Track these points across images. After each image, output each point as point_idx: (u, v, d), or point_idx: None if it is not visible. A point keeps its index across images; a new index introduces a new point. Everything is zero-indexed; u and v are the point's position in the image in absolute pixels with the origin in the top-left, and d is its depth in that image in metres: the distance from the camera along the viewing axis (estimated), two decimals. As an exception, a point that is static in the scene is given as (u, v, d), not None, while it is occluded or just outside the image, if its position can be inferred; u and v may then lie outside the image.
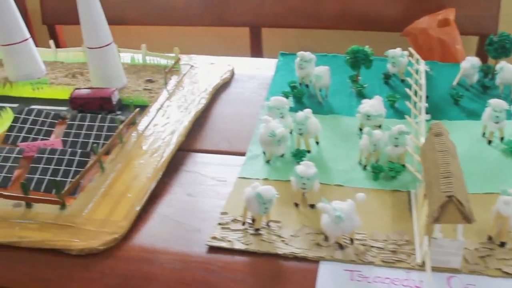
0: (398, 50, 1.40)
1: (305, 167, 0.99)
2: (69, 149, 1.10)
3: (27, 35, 1.43)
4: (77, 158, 1.08)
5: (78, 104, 1.27)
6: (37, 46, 1.49)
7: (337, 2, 1.95)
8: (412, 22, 2.00)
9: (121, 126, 1.16)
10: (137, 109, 1.23)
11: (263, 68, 1.53)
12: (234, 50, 2.18)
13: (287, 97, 1.29)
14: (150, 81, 1.40)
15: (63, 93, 1.36)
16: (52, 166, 1.08)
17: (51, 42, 1.56)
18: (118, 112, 1.27)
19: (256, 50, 2.07)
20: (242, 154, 1.16)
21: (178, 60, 1.45)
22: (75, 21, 1.95)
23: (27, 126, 1.22)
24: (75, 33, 2.01)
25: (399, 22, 2.01)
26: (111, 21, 2.03)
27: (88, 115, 1.21)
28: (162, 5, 2.07)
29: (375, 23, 2.02)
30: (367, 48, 1.36)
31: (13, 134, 1.21)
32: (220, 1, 2.02)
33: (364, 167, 1.11)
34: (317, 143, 1.19)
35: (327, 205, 0.90)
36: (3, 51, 1.43)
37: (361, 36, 2.16)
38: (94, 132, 1.18)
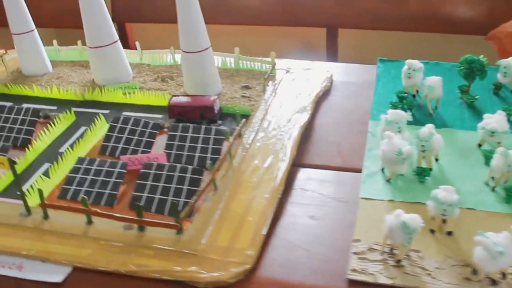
0: (511, 60, 1.29)
1: (446, 193, 0.90)
2: (179, 165, 1.01)
3: (116, 37, 1.35)
4: (188, 175, 0.99)
5: (176, 112, 1.18)
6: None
7: (421, 4, 1.83)
8: (498, 25, 1.88)
9: (231, 140, 1.07)
10: (244, 119, 1.13)
11: (356, 74, 1.43)
12: (307, 51, 2.09)
13: (395, 107, 1.20)
14: (246, 87, 1.30)
15: (156, 99, 1.28)
16: (161, 184, 0.99)
17: (137, 44, 1.47)
18: (219, 122, 1.18)
19: (332, 52, 1.97)
20: (356, 170, 1.07)
21: (274, 65, 1.36)
22: (146, 19, 1.89)
23: (125, 136, 1.13)
24: (145, 31, 1.94)
25: (484, 25, 1.89)
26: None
27: (191, 125, 1.12)
28: (236, 3, 1.98)
29: (459, 25, 1.90)
30: (482, 58, 1.25)
31: (110, 144, 1.13)
32: (297, 0, 1.92)
33: (493, 189, 1.01)
34: (437, 160, 1.09)
35: (486, 239, 0.80)
36: (92, 54, 1.35)
37: (439, 39, 2.05)
38: (199, 145, 1.09)
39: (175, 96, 1.21)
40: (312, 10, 1.91)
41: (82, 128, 1.21)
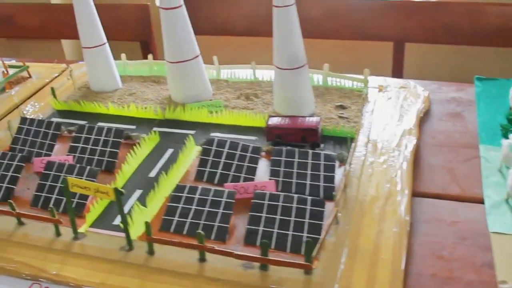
0: None
1: None
2: (295, 195, 0.91)
3: (198, 51, 1.25)
4: (308, 207, 0.89)
5: (276, 134, 1.09)
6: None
7: (499, 17, 1.73)
8: None
9: (348, 167, 0.97)
10: (352, 143, 1.04)
11: (449, 93, 1.33)
12: (372, 67, 1.99)
13: (507, 130, 1.11)
14: (342, 107, 1.21)
15: (245, 119, 1.18)
16: (278, 216, 0.89)
17: (215, 58, 1.37)
18: (322, 145, 1.09)
19: (398, 68, 1.87)
20: (476, 200, 0.97)
21: (367, 83, 1.26)
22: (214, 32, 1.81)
23: (222, 160, 1.04)
24: (208, 45, 1.85)
25: None
26: (242, 32, 1.86)
27: (296, 149, 1.02)
28: (300, 16, 1.89)
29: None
30: None
31: (207, 170, 1.03)
32: (363, 13, 1.83)
33: None
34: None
35: None
36: (171, 69, 1.25)
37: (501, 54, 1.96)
38: (309, 172, 0.99)
39: (271, 116, 1.12)
40: (379, 23, 1.82)
41: (169, 150, 1.12)
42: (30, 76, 1.52)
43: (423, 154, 1.11)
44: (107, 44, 1.35)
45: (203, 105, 1.23)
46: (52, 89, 1.33)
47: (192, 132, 1.17)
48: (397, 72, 1.87)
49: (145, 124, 1.22)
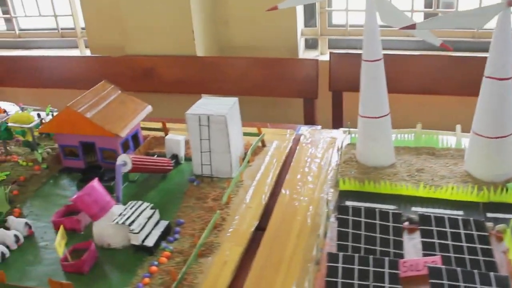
0: None
1: None
2: None
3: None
4: None
5: None
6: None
7: None
8: None
9: None
10: None
11: None
12: None
13: None
14: None
15: None
16: None
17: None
18: None
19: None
20: None
21: None
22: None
23: None
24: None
25: None
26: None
27: None
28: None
29: None
30: None
31: None
32: None
33: None
34: None
35: None
36: (485, 144, 1.12)
37: None
38: None
39: None
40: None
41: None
42: (264, 145, 1.34)
43: None
44: (390, 115, 1.20)
45: (517, 185, 1.11)
46: (337, 168, 1.17)
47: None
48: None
49: (469, 208, 1.08)
